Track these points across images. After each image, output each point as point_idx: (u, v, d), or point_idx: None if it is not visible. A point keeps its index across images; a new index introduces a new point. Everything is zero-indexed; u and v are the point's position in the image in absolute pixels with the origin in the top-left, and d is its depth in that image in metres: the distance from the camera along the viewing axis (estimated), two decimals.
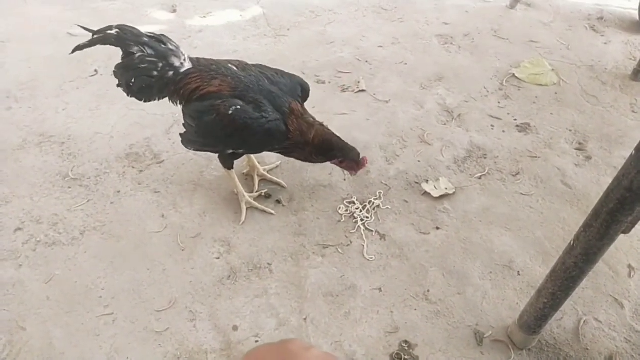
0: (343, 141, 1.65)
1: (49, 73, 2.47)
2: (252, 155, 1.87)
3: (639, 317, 1.54)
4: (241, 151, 1.68)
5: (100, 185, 1.91)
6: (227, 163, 1.74)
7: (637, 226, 1.76)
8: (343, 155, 1.64)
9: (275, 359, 0.44)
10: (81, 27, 1.61)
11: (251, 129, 1.51)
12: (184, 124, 1.68)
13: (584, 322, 1.52)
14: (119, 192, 1.88)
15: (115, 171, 1.96)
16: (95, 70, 2.47)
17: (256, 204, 1.81)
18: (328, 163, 1.69)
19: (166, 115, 2.20)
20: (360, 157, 1.64)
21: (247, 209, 1.80)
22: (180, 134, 1.71)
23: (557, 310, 1.29)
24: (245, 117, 1.51)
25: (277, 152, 1.69)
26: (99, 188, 1.89)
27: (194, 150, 1.76)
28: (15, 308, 1.52)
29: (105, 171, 1.96)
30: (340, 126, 2.18)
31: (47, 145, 2.06)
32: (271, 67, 1.70)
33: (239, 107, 1.51)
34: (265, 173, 1.92)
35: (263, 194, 1.86)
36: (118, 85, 1.64)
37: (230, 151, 1.66)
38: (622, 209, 0.98)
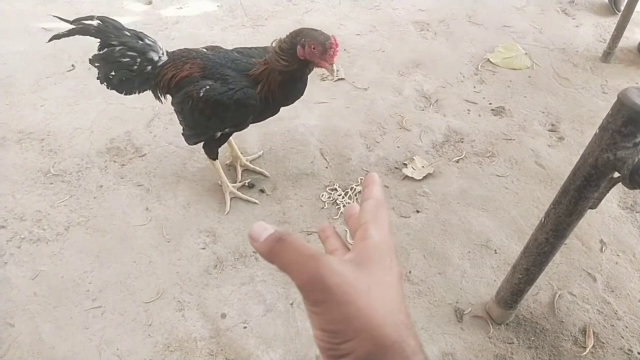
0: (306, 27, 1.45)
1: (25, 69, 2.44)
2: (234, 145, 1.89)
3: (611, 290, 1.62)
4: (227, 130, 1.67)
5: (83, 180, 1.91)
6: (212, 154, 1.75)
7: (607, 203, 1.85)
8: (305, 36, 1.40)
9: (378, 235, 0.42)
10: (58, 17, 1.59)
11: (223, 104, 1.51)
12: (179, 122, 1.70)
13: (559, 296, 1.59)
14: (101, 186, 1.89)
15: (97, 166, 1.96)
16: (72, 65, 2.45)
17: (240, 193, 1.83)
18: (307, 153, 1.70)
19: (146, 109, 2.20)
20: (330, 37, 1.39)
21: (231, 199, 1.82)
22: (182, 134, 1.73)
23: (532, 284, 1.35)
24: (214, 95, 1.51)
25: (276, 109, 1.62)
26: (81, 183, 1.90)
27: (194, 144, 1.76)
28: (2, 305, 1.53)
29: (87, 166, 1.96)
30: (320, 114, 2.21)
31: (27, 142, 2.05)
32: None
33: (208, 87, 1.52)
34: (248, 163, 1.94)
35: (246, 184, 1.88)
36: (97, 78, 1.64)
37: (219, 134, 1.66)
38: (589, 186, 1.04)
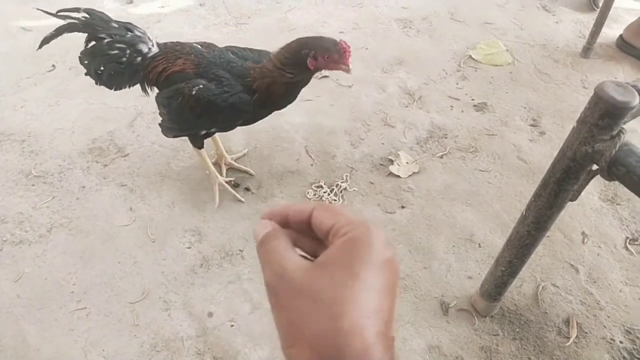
0: (305, 37, 1.46)
1: (4, 70, 2.40)
2: (219, 143, 1.88)
3: (593, 281, 1.65)
4: (214, 130, 1.66)
5: (65, 181, 1.88)
6: (198, 142, 1.74)
7: (588, 195, 1.88)
8: (314, 47, 1.40)
9: (350, 234, 0.39)
10: (42, 10, 1.56)
11: (216, 106, 1.50)
12: (159, 113, 1.68)
13: (542, 287, 1.62)
14: (84, 187, 1.87)
15: (79, 166, 1.94)
16: (53, 65, 2.41)
17: (228, 186, 1.82)
18: (293, 151, 1.70)
19: (128, 108, 2.18)
20: (338, 42, 1.41)
21: (219, 192, 1.81)
22: (159, 124, 1.71)
23: (515, 277, 1.37)
24: (208, 95, 1.50)
25: (267, 114, 1.63)
26: (63, 184, 1.87)
27: (173, 137, 1.75)
28: None
29: (69, 167, 1.94)
30: (305, 112, 2.21)
31: (7, 144, 2.02)
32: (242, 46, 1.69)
33: (201, 86, 1.50)
34: (233, 162, 1.94)
35: (232, 183, 1.88)
36: (86, 74, 1.62)
37: (204, 132, 1.66)
38: (568, 178, 1.05)
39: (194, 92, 1.50)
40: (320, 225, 0.42)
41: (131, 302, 1.53)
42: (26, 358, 1.40)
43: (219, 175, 1.81)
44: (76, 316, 1.49)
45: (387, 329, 0.36)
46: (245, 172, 1.93)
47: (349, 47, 1.42)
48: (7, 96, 2.26)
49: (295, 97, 1.60)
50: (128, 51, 1.58)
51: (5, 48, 2.54)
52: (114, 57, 1.57)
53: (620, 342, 1.49)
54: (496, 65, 2.55)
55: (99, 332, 1.46)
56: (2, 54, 2.50)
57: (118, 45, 1.57)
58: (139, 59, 1.60)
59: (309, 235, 0.44)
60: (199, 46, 1.61)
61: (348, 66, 1.44)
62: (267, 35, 2.71)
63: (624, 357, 1.46)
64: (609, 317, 1.55)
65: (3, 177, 1.89)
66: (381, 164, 1.99)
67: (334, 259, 0.38)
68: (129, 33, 1.59)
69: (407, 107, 2.28)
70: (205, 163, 1.80)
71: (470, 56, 2.59)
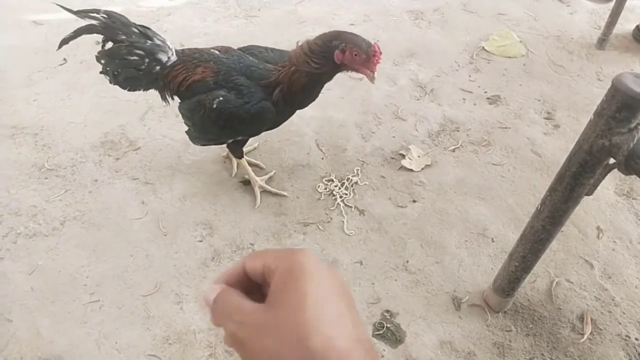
0: (342, 31, 1.41)
1: (16, 63, 2.41)
2: None
3: (608, 276, 1.62)
4: (240, 138, 1.66)
5: (77, 174, 1.90)
6: (237, 152, 1.76)
7: (603, 190, 1.86)
8: (345, 41, 1.35)
9: (282, 264, 0.42)
10: (62, 7, 1.53)
11: (238, 117, 1.49)
12: (184, 123, 1.68)
13: (556, 283, 1.60)
14: (96, 180, 1.88)
15: (91, 160, 1.95)
16: (64, 59, 2.42)
17: (269, 187, 1.83)
18: (303, 145, 1.70)
19: (139, 102, 2.18)
20: (372, 43, 1.36)
21: (260, 193, 1.82)
22: (186, 132, 1.72)
23: (529, 272, 1.35)
24: (229, 107, 1.48)
25: (290, 115, 1.61)
26: (75, 178, 1.88)
27: (201, 145, 1.76)
28: (0, 301, 1.52)
29: (81, 160, 1.95)
30: (315, 105, 2.19)
31: (21, 137, 2.03)
32: (261, 45, 1.67)
33: (221, 98, 1.49)
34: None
35: (245, 177, 1.88)
36: (101, 72, 1.61)
37: (231, 140, 1.67)
38: (584, 172, 1.04)
39: (215, 106, 1.49)
40: (254, 273, 0.45)
41: (143, 295, 1.54)
42: (40, 350, 1.41)
43: (258, 179, 1.82)
44: (89, 309, 1.51)
45: (359, 332, 0.39)
46: (256, 165, 1.93)
47: (381, 53, 1.36)
48: (20, 90, 2.27)
49: (317, 95, 1.57)
50: (147, 59, 1.55)
51: (16, 42, 2.55)
52: (132, 62, 1.55)
53: (636, 339, 1.47)
54: (509, 57, 2.51)
55: (111, 325, 1.47)
56: (13, 48, 2.51)
57: (137, 51, 1.54)
58: (157, 67, 1.57)
59: (257, 292, 0.46)
60: (217, 51, 1.58)
61: (373, 73, 1.38)
62: (277, 28, 2.69)
63: (639, 354, 1.44)
64: (624, 313, 1.53)
65: (16, 171, 1.90)
66: (392, 158, 1.98)
67: (280, 291, 0.40)
68: (149, 41, 1.56)
69: (418, 100, 2.26)
70: (245, 170, 1.81)
71: (483, 48, 2.56)
